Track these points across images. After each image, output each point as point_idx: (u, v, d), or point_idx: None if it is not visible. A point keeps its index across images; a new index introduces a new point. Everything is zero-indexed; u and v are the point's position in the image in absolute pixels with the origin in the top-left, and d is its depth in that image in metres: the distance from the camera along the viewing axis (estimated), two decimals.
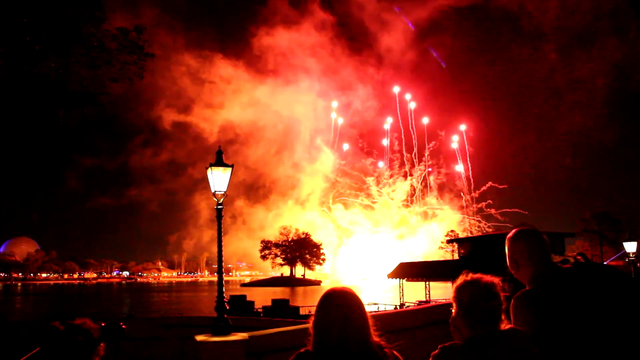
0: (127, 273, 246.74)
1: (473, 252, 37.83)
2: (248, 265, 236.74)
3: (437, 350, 2.36)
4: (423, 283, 41.64)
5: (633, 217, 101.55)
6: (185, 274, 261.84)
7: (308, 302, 39.35)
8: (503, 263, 2.86)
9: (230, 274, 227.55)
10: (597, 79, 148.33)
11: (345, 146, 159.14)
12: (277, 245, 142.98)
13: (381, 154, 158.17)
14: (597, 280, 2.71)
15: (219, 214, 8.65)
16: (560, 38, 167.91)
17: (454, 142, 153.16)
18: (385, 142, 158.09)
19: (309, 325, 2.35)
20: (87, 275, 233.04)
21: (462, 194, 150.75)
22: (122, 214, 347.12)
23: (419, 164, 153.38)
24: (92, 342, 2.25)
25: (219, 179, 8.68)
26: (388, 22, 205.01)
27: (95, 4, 13.69)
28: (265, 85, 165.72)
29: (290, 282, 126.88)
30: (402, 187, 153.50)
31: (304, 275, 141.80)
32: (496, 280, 2.45)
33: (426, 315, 8.38)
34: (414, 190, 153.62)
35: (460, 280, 2.48)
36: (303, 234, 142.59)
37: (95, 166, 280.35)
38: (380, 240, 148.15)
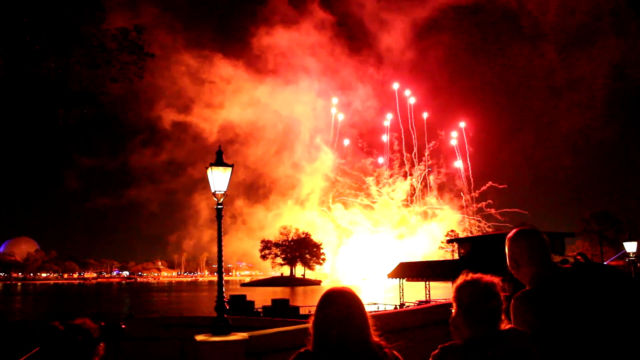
0: (127, 273, 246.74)
1: (473, 252, 37.82)
2: (248, 265, 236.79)
3: (437, 350, 2.36)
4: (423, 283, 41.61)
5: (633, 217, 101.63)
6: (185, 274, 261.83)
7: (308, 302, 39.35)
8: (503, 263, 2.86)
9: (230, 273, 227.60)
10: (596, 79, 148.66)
11: (346, 141, 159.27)
12: (277, 245, 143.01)
13: (381, 151, 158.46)
14: (597, 280, 2.70)
15: (219, 214, 8.65)
16: (560, 38, 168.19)
17: (453, 139, 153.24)
18: (385, 137, 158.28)
19: (309, 325, 2.35)
20: (87, 275, 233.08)
21: (462, 193, 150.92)
22: (122, 214, 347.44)
23: (418, 164, 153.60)
24: (92, 342, 2.25)
25: (219, 178, 8.68)
26: (388, 22, 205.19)
27: (95, 4, 13.70)
28: (265, 85, 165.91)
29: (290, 282, 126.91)
30: (402, 186, 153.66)
31: (304, 275, 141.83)
32: (496, 280, 2.45)
33: (426, 315, 8.38)
34: (414, 190, 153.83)
35: (460, 280, 2.48)
36: (303, 233, 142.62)
37: (95, 166, 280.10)
38: (380, 240, 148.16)
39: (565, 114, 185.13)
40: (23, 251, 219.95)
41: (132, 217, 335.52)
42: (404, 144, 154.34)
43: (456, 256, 46.84)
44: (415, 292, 44.79)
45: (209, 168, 8.69)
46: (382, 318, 8.27)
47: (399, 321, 7.90)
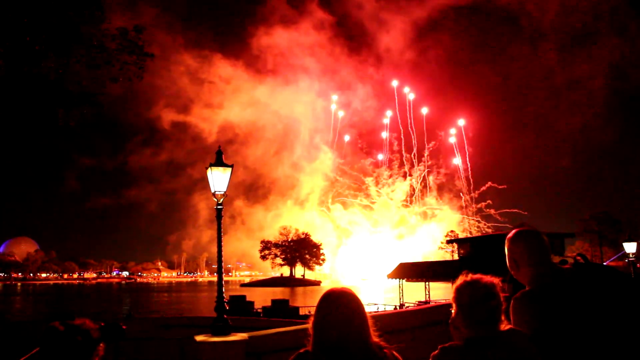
0: (127, 273, 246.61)
1: (473, 252, 37.80)
2: (248, 265, 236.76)
3: (437, 351, 2.36)
4: (423, 283, 41.61)
5: (633, 217, 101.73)
6: (185, 274, 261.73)
7: (308, 303, 39.33)
8: (503, 263, 2.86)
9: (229, 274, 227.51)
10: (596, 79, 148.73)
11: (347, 137, 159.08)
12: (276, 245, 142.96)
13: (380, 151, 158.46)
14: (596, 281, 2.71)
15: (218, 214, 8.65)
16: (560, 38, 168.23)
17: (452, 136, 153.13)
18: (384, 134, 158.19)
19: (309, 325, 2.35)
20: (86, 275, 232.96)
21: (461, 194, 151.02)
22: (122, 214, 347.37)
23: (418, 164, 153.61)
24: (92, 342, 2.25)
25: (218, 179, 8.67)
26: (387, 22, 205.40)
27: (95, 4, 13.70)
28: (264, 85, 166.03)
29: (290, 282, 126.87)
30: (402, 187, 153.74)
31: (303, 276, 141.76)
32: (496, 280, 2.45)
33: (426, 316, 8.38)
34: (414, 190, 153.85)
35: (460, 280, 2.48)
36: (303, 234, 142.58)
37: (95, 166, 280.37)
38: (380, 240, 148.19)
39: (565, 114, 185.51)
40: (23, 251, 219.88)
41: (132, 217, 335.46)
42: (403, 144, 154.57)
43: (456, 256, 46.86)
44: (415, 293, 44.77)
45: (209, 168, 8.69)
46: (382, 318, 8.27)
47: (398, 322, 7.91)
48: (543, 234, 2.82)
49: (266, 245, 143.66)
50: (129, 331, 2.67)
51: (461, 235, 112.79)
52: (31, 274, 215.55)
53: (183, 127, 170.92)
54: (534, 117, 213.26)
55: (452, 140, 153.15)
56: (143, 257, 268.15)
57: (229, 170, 8.77)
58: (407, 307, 33.40)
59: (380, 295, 62.72)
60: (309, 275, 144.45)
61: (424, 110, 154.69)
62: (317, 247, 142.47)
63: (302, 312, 30.59)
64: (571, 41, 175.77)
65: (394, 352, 2.32)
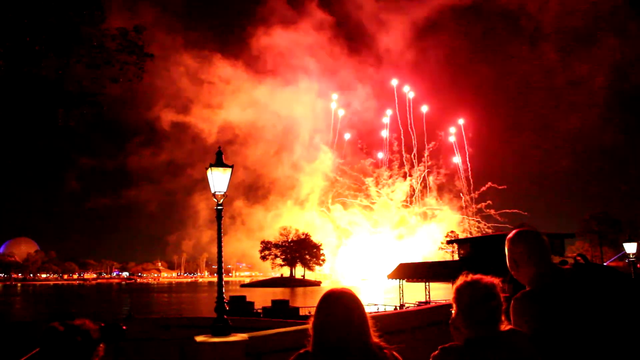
0: (127, 274, 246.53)
1: (473, 252, 37.78)
2: (248, 266, 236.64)
3: (437, 351, 2.36)
4: (423, 284, 41.58)
5: (633, 217, 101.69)
6: (185, 275, 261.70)
7: (308, 303, 39.30)
8: (503, 264, 2.86)
9: (230, 274, 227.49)
10: (596, 79, 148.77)
11: (347, 135, 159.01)
12: (277, 245, 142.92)
13: (380, 149, 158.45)
14: (597, 281, 2.70)
15: (218, 215, 8.64)
16: (559, 38, 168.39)
17: (452, 135, 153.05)
18: (384, 132, 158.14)
19: (309, 326, 2.35)
20: (86, 275, 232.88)
21: (461, 194, 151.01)
22: (122, 215, 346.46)
23: (418, 165, 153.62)
24: (92, 342, 2.25)
25: (218, 179, 8.67)
26: (387, 22, 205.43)
27: (95, 4, 13.69)
28: (264, 86, 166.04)
29: (290, 282, 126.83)
30: (402, 187, 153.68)
31: (303, 276, 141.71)
32: (496, 281, 2.45)
33: (426, 316, 8.37)
34: (414, 190, 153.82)
35: (460, 281, 2.48)
36: (303, 234, 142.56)
37: (95, 167, 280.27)
38: (380, 240, 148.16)
39: (564, 114, 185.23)
40: (23, 252, 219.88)
41: (132, 217, 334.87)
42: (403, 144, 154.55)
43: (456, 257, 46.85)
44: (415, 293, 44.74)
45: (209, 169, 8.68)
46: (382, 319, 8.26)
47: (399, 322, 7.91)
48: (543, 235, 2.82)
49: (266, 246, 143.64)
50: (129, 332, 2.67)
51: (461, 236, 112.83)
52: (31, 275, 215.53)
53: (183, 128, 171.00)
54: (534, 117, 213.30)
55: (452, 139, 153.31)
56: (143, 258, 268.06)
57: (229, 170, 8.77)
58: (407, 307, 33.40)
59: (380, 295, 62.72)
60: (309, 275, 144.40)
61: (424, 109, 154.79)
62: (317, 247, 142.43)
63: (302, 312, 30.58)
64: (571, 41, 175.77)
65: (394, 353, 2.32)
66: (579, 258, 2.82)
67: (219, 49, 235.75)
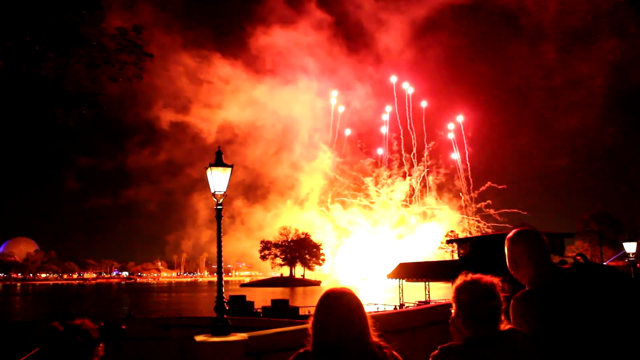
0: (127, 273, 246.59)
1: (473, 252, 37.78)
2: (247, 265, 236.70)
3: (436, 351, 2.36)
4: (423, 283, 41.61)
5: (633, 217, 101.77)
6: (185, 274, 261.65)
7: (307, 303, 39.29)
8: (503, 263, 2.86)
9: (229, 274, 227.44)
10: (596, 79, 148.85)
11: (347, 131, 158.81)
12: (276, 245, 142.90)
13: (379, 145, 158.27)
14: (596, 280, 2.70)
15: (218, 214, 8.64)
16: (559, 37, 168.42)
17: (451, 132, 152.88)
18: (384, 129, 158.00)
19: (309, 325, 2.35)
20: (86, 275, 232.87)
21: (461, 194, 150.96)
22: (121, 214, 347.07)
23: (417, 164, 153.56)
24: (92, 342, 2.25)
25: (218, 179, 8.66)
26: (386, 21, 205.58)
27: (95, 4, 13.68)
28: (263, 85, 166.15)
29: (290, 282, 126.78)
30: (401, 187, 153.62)
31: (303, 276, 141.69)
32: (496, 280, 2.45)
33: (426, 316, 8.37)
34: (413, 190, 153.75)
35: (459, 280, 2.48)
36: (303, 234, 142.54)
37: (94, 166, 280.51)
38: (379, 240, 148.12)
39: (564, 113, 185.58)
40: (22, 251, 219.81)
41: (131, 217, 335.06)
42: (402, 144, 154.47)
43: (456, 256, 46.85)
44: (414, 293, 44.75)
45: (209, 168, 8.67)
46: (382, 318, 8.27)
47: (398, 321, 7.90)
48: (543, 234, 2.82)
49: (266, 246, 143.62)
50: (129, 331, 2.67)
51: (461, 235, 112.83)
52: (31, 274, 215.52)
53: (182, 127, 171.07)
54: (534, 116, 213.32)
55: (451, 135, 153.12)
56: (143, 257, 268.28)
57: (228, 170, 8.76)
58: (407, 307, 33.41)
59: (380, 295, 62.72)
60: (309, 275, 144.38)
61: (423, 104, 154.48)
62: (317, 247, 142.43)
63: (302, 312, 30.59)
64: (571, 40, 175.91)
65: (394, 352, 2.32)
66: (578, 257, 2.81)
67: (218, 49, 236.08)
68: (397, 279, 41.87)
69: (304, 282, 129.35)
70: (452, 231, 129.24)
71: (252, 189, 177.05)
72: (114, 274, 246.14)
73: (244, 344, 7.30)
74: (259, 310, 32.41)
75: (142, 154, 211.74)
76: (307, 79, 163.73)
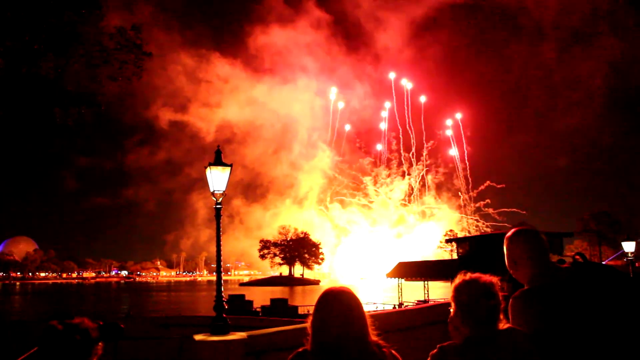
0: (126, 272, 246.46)
1: (472, 251, 37.79)
2: (246, 264, 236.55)
3: (435, 350, 2.37)
4: (422, 283, 41.62)
5: (632, 216, 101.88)
6: (184, 274, 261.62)
7: (307, 302, 39.27)
8: (502, 263, 2.86)
9: (228, 273, 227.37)
10: (595, 78, 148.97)
11: (347, 127, 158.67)
12: (275, 244, 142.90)
13: (379, 142, 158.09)
14: (595, 280, 2.71)
15: (217, 214, 8.64)
16: (559, 36, 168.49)
17: (449, 128, 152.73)
18: (383, 125, 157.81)
19: (307, 324, 2.35)
20: (85, 274, 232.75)
21: (460, 193, 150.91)
22: (120, 214, 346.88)
23: (416, 164, 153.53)
24: (91, 341, 2.25)
25: (217, 178, 8.66)
26: (384, 20, 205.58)
27: (94, 3, 13.67)
28: (262, 84, 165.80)
29: (289, 281, 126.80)
30: (400, 186, 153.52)
31: (302, 275, 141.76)
32: (495, 279, 2.45)
33: (425, 315, 8.38)
34: (412, 189, 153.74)
35: (458, 279, 2.48)
36: (302, 233, 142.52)
37: (93, 166, 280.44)
38: (378, 239, 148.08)
39: (563, 113, 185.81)
40: (22, 251, 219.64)
41: (130, 216, 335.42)
42: (402, 143, 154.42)
43: (455, 256, 46.84)
44: (414, 292, 44.77)
45: (208, 168, 8.67)
46: (381, 317, 8.27)
47: (397, 321, 7.91)
48: (542, 233, 2.82)
49: (265, 245, 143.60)
50: (128, 330, 2.67)
51: (460, 235, 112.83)
52: (30, 274, 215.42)
53: (181, 127, 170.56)
54: (533, 116, 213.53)
55: (449, 132, 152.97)
56: (142, 257, 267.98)
57: (228, 169, 8.76)
58: (406, 306, 33.42)
59: (379, 294, 62.72)
60: (308, 274, 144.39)
61: (422, 99, 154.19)
62: (316, 246, 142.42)
63: (301, 311, 30.56)
64: (570, 40, 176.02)
65: (393, 351, 2.32)
66: (577, 257, 2.82)
67: (217, 48, 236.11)
68: (396, 278, 41.90)
69: (303, 281, 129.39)
70: (451, 230, 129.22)
71: (251, 188, 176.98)
72: (113, 273, 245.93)
73: (243, 343, 7.31)
74: (258, 309, 32.39)
75: (141, 154, 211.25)
76: (306, 78, 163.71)
